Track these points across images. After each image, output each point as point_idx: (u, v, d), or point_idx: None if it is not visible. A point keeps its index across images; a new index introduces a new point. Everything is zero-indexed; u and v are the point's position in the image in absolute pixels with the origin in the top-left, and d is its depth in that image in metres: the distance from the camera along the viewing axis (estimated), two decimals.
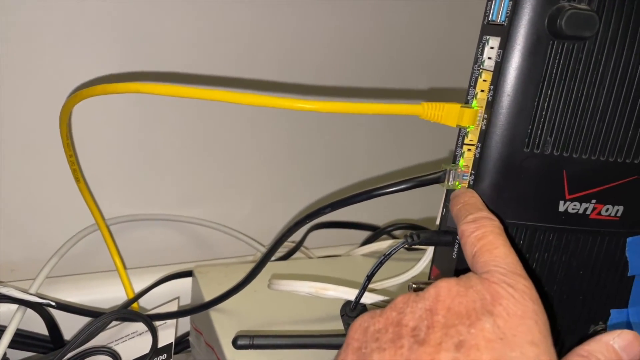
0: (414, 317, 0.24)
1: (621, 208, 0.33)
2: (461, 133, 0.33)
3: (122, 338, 0.46)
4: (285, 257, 0.61)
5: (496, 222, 0.29)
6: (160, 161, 0.58)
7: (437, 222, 0.36)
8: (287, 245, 0.64)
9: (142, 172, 0.57)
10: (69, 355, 0.40)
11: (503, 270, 0.25)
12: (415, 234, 0.33)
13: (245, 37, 0.56)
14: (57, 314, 0.49)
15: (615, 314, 0.35)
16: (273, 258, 0.61)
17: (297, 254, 0.63)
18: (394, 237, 0.66)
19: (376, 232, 0.65)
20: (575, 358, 0.25)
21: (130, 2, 0.50)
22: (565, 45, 0.29)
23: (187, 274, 0.52)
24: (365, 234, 0.67)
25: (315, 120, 0.63)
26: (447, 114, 0.32)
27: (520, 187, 0.31)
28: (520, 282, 0.25)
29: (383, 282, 0.46)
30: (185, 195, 0.60)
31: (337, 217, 0.67)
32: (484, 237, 0.27)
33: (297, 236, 0.64)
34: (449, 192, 0.35)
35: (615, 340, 0.26)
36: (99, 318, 0.41)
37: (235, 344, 0.34)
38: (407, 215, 0.70)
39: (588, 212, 0.32)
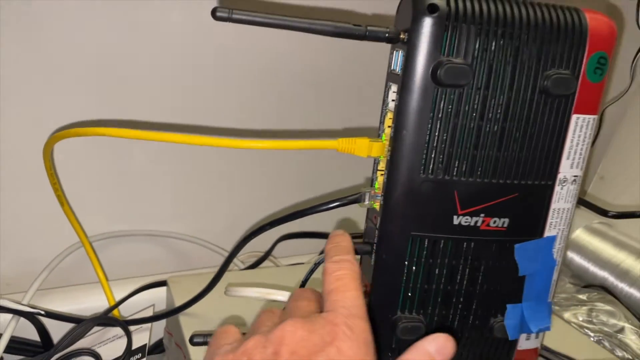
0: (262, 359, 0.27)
1: (507, 220, 0.39)
2: (376, 161, 0.40)
3: (103, 341, 0.53)
4: (254, 266, 0.68)
5: (355, 268, 0.34)
6: (138, 181, 0.64)
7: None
8: (256, 255, 0.71)
9: (121, 192, 0.64)
10: (56, 357, 0.47)
11: (347, 312, 0.30)
12: None
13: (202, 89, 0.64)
14: (47, 322, 0.56)
15: (511, 308, 0.42)
16: (243, 267, 0.68)
17: (266, 263, 0.70)
18: None
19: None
20: None
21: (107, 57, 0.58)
22: (448, 91, 0.36)
23: (162, 283, 0.58)
24: None
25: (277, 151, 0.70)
26: (359, 147, 0.39)
27: (420, 205, 0.38)
28: (359, 325, 0.29)
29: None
30: (163, 212, 0.67)
31: (305, 227, 0.73)
32: (342, 278, 0.32)
33: (265, 246, 0.70)
34: (369, 210, 0.42)
35: (430, 344, 0.30)
36: (81, 324, 0.48)
37: (191, 341, 0.40)
38: None
39: (478, 224, 0.39)
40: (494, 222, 0.39)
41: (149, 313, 0.55)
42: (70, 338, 0.48)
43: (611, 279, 0.65)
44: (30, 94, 0.56)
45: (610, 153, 0.84)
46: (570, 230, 0.72)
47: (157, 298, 0.59)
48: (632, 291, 0.63)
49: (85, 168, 0.61)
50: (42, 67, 0.56)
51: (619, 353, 0.51)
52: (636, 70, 0.62)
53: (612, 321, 0.54)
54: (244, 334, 0.33)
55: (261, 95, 0.66)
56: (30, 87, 0.56)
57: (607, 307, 0.55)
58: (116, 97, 0.60)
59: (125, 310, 0.58)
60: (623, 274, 0.64)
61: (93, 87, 0.59)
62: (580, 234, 0.70)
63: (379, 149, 0.39)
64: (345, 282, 0.32)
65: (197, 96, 0.64)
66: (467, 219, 0.39)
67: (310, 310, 0.32)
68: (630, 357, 0.51)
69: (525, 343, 0.43)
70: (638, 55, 0.61)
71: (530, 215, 0.40)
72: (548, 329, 0.43)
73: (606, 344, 0.52)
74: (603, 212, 0.63)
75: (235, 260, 0.69)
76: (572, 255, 0.69)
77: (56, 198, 0.55)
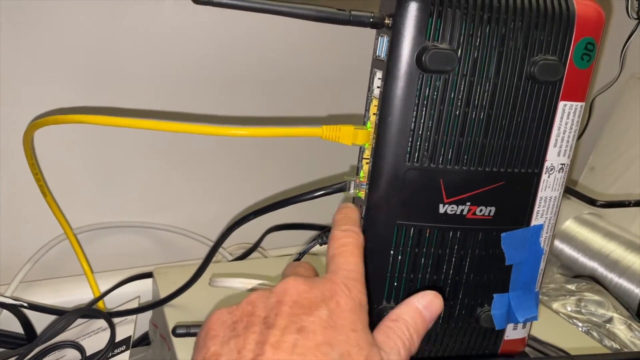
0: (265, 308, 0.29)
1: (493, 209, 0.39)
2: (361, 149, 0.40)
3: (88, 333, 0.52)
4: (242, 257, 0.68)
5: (360, 238, 0.35)
6: (124, 171, 0.64)
7: None
8: (245, 246, 0.70)
9: (106, 183, 0.63)
10: (38, 349, 0.46)
11: (346, 274, 0.31)
12: (324, 234, 0.40)
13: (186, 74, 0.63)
14: (31, 315, 0.55)
15: (497, 298, 0.41)
16: (231, 258, 0.68)
17: (254, 254, 0.70)
18: None
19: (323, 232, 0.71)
20: (387, 323, 0.32)
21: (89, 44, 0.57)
22: (433, 77, 0.36)
23: (148, 275, 0.58)
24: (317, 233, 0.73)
25: (264, 141, 0.69)
26: (344, 134, 0.38)
27: (405, 194, 0.37)
28: (357, 287, 0.31)
29: None
30: (150, 203, 0.67)
31: (293, 219, 0.73)
32: (346, 245, 0.34)
33: (254, 238, 0.70)
34: (354, 199, 0.41)
35: (419, 301, 0.32)
36: (64, 316, 0.47)
37: (174, 332, 0.40)
38: None
39: (464, 212, 0.39)
40: (480, 210, 0.39)
41: (134, 305, 0.55)
42: (53, 330, 0.47)
43: (600, 269, 0.65)
44: (10, 82, 0.55)
45: (601, 144, 0.84)
46: (560, 221, 0.72)
47: (142, 290, 0.58)
48: (622, 281, 0.62)
49: (68, 158, 0.60)
50: (22, 54, 0.55)
51: (607, 343, 0.51)
52: (626, 59, 0.62)
53: (601, 311, 0.54)
54: None
55: (244, 81, 0.65)
56: (10, 74, 0.55)
57: (596, 297, 0.55)
58: (99, 84, 0.59)
59: (111, 303, 0.58)
60: (612, 264, 0.64)
61: (75, 74, 0.58)
62: (570, 225, 0.70)
63: (364, 136, 0.38)
64: (349, 248, 0.33)
65: (181, 83, 0.63)
66: (453, 207, 0.38)
67: (309, 275, 0.34)
68: (618, 347, 0.51)
69: (512, 333, 0.43)
70: (627, 44, 0.61)
71: (517, 203, 0.40)
72: (535, 318, 0.42)
73: (594, 334, 0.52)
74: (591, 202, 0.63)
75: (223, 251, 0.69)
76: (562, 246, 0.69)
77: (38, 188, 0.54)
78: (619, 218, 0.72)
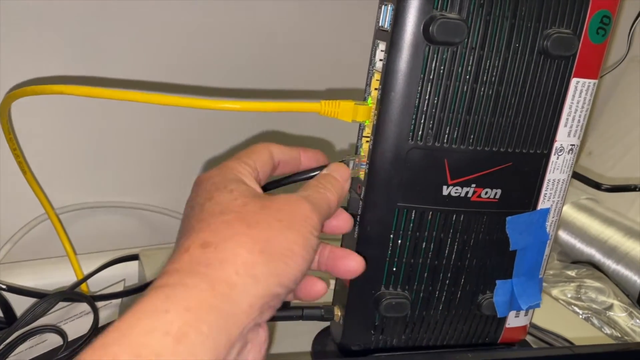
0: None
1: (499, 191, 0.37)
2: (361, 127, 0.37)
3: (70, 317, 0.50)
4: None
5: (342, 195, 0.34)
6: (110, 148, 0.61)
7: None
8: None
9: (91, 160, 0.60)
10: (17, 333, 0.44)
11: (308, 196, 0.31)
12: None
13: (174, 42, 0.60)
14: (11, 297, 0.53)
15: (500, 284, 0.40)
16: None
17: None
18: None
19: None
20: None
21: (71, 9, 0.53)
22: (440, 49, 0.33)
23: (134, 257, 0.55)
24: None
25: (259, 118, 0.66)
26: (343, 110, 0.36)
27: (408, 174, 0.35)
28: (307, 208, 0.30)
29: None
30: (137, 182, 0.64)
31: None
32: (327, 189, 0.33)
33: None
34: (353, 179, 0.39)
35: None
36: (44, 298, 0.45)
37: None
38: None
39: (469, 195, 0.37)
40: (486, 193, 0.37)
41: (119, 289, 0.52)
42: (33, 314, 0.45)
43: (598, 255, 0.64)
44: None
45: (599, 128, 0.82)
46: None
47: (128, 273, 0.56)
48: (619, 268, 0.61)
49: (49, 133, 0.57)
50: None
51: (607, 330, 0.50)
52: (634, 39, 0.60)
53: (601, 298, 0.52)
54: None
55: (237, 52, 0.62)
56: None
57: (596, 284, 0.54)
58: (81, 53, 0.55)
59: (95, 286, 0.55)
60: (610, 250, 0.63)
61: (55, 42, 0.54)
62: (567, 210, 0.69)
63: (364, 112, 0.36)
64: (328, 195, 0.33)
65: (169, 53, 0.59)
66: (457, 189, 0.36)
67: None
68: (618, 335, 0.49)
69: (514, 320, 0.42)
70: (635, 24, 0.59)
71: (523, 186, 0.38)
72: (538, 305, 0.41)
73: (594, 321, 0.50)
74: (596, 185, 0.61)
75: None
76: (559, 231, 0.67)
77: (17, 165, 0.51)
78: (616, 203, 0.71)
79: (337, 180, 0.34)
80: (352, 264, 0.33)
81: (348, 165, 0.37)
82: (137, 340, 0.22)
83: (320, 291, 0.33)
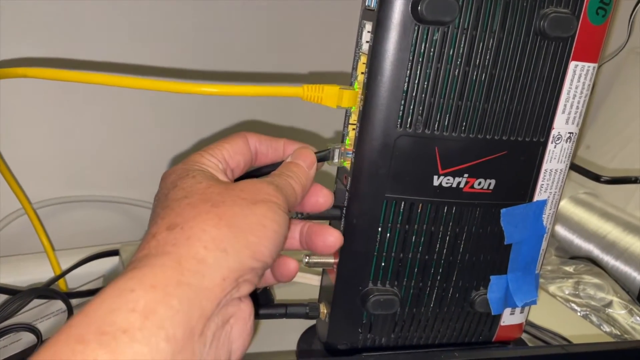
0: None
1: (493, 181, 0.35)
2: (347, 114, 0.35)
3: (46, 316, 0.48)
4: None
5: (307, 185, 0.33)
6: (88, 139, 0.58)
7: None
8: None
9: (69, 152, 0.58)
10: None
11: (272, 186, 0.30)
12: None
13: (148, 27, 0.57)
14: None
15: (495, 280, 0.38)
16: None
17: None
18: None
19: None
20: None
21: None
22: (430, 29, 0.31)
23: (114, 253, 0.53)
24: None
25: (245, 106, 0.64)
26: (327, 95, 0.33)
27: (396, 164, 0.33)
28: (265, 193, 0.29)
29: None
30: (117, 175, 0.61)
31: None
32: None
33: None
34: (339, 169, 0.37)
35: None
36: (17, 295, 0.43)
37: None
38: None
39: (461, 185, 0.35)
40: (479, 183, 0.35)
41: (98, 285, 0.50)
42: (5, 311, 0.42)
43: (597, 251, 0.62)
44: None
45: (598, 121, 0.80)
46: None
47: (107, 269, 0.54)
48: (618, 264, 0.60)
49: (25, 123, 0.55)
50: None
51: (607, 328, 0.48)
52: (634, 27, 0.58)
53: (600, 295, 0.50)
54: None
55: (217, 32, 0.59)
56: None
57: (595, 280, 0.52)
58: (54, 32, 0.53)
59: (74, 282, 0.53)
60: (609, 246, 0.61)
61: (25, 19, 0.52)
62: (565, 205, 0.67)
63: (350, 98, 0.34)
64: (292, 182, 0.32)
65: (149, 35, 0.57)
66: (448, 179, 0.34)
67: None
68: (618, 333, 0.47)
69: (509, 318, 0.40)
70: (637, 9, 0.57)
71: (519, 176, 0.36)
72: (534, 302, 0.39)
73: (593, 318, 0.49)
74: (595, 178, 0.59)
75: None
76: (556, 226, 0.65)
77: None
78: (614, 198, 0.69)
79: (300, 166, 0.33)
80: (330, 239, 0.34)
81: (334, 154, 0.35)
82: (102, 320, 0.22)
83: (292, 270, 0.33)
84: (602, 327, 0.48)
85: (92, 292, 0.47)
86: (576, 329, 0.47)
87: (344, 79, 0.35)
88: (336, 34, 0.53)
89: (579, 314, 0.49)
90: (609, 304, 0.50)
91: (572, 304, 0.50)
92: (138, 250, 0.26)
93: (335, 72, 0.60)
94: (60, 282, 0.52)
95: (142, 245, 0.26)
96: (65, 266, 0.54)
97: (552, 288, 0.52)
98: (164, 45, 0.58)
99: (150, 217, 0.29)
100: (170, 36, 0.58)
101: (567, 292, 0.51)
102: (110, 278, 0.53)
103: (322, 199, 0.34)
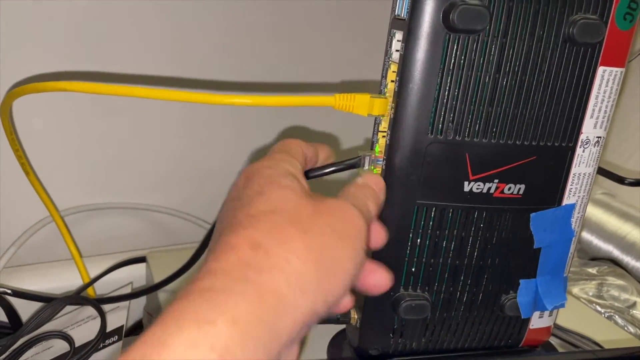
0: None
1: (523, 186, 0.35)
2: (376, 121, 0.36)
3: (77, 322, 0.48)
4: None
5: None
6: (114, 147, 0.59)
7: None
8: None
9: (95, 160, 0.59)
10: (22, 340, 0.43)
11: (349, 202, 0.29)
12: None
13: (171, 38, 0.58)
14: (16, 302, 0.51)
15: (524, 284, 0.38)
16: None
17: None
18: None
19: None
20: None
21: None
22: (461, 38, 0.32)
23: (141, 259, 0.54)
24: None
25: (266, 113, 0.65)
26: (358, 104, 0.34)
27: (427, 170, 0.34)
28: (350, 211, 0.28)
29: None
30: (143, 182, 0.62)
31: None
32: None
33: None
34: None
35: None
36: (49, 304, 0.44)
37: None
38: None
39: (492, 191, 0.35)
40: (509, 188, 0.35)
41: (126, 291, 0.51)
42: (39, 319, 0.43)
43: (616, 252, 0.62)
44: None
45: (614, 121, 0.80)
46: None
47: (135, 276, 0.55)
48: (639, 265, 0.60)
49: (52, 132, 0.56)
50: None
51: (631, 329, 0.48)
52: None
53: (624, 296, 0.51)
54: None
55: (247, 43, 0.60)
56: None
57: (619, 282, 0.52)
58: (84, 47, 0.54)
59: (102, 289, 0.54)
60: (629, 246, 0.61)
61: (57, 36, 0.52)
62: None
63: (381, 106, 0.34)
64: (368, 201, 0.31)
65: (177, 46, 0.58)
66: (479, 185, 0.35)
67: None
68: None
69: (538, 321, 0.40)
70: None
71: (548, 181, 0.36)
72: (563, 305, 0.39)
73: (618, 320, 0.49)
74: (619, 180, 0.59)
75: None
76: None
77: (20, 166, 0.50)
78: (631, 198, 0.69)
79: (374, 190, 0.32)
80: (382, 281, 0.31)
81: (364, 161, 0.36)
82: (181, 354, 0.20)
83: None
84: (626, 328, 0.48)
85: (122, 298, 0.48)
86: (602, 330, 0.47)
87: (373, 87, 0.36)
88: (365, 43, 0.53)
89: (603, 315, 0.50)
90: (633, 305, 0.50)
91: (596, 306, 0.50)
92: (214, 256, 0.24)
93: (365, 81, 0.60)
94: (89, 288, 0.53)
95: (220, 254, 0.24)
96: (92, 272, 0.55)
97: (575, 290, 0.52)
98: (189, 56, 0.59)
99: (226, 215, 0.27)
100: (193, 48, 0.59)
101: (590, 294, 0.51)
102: (138, 285, 0.54)
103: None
